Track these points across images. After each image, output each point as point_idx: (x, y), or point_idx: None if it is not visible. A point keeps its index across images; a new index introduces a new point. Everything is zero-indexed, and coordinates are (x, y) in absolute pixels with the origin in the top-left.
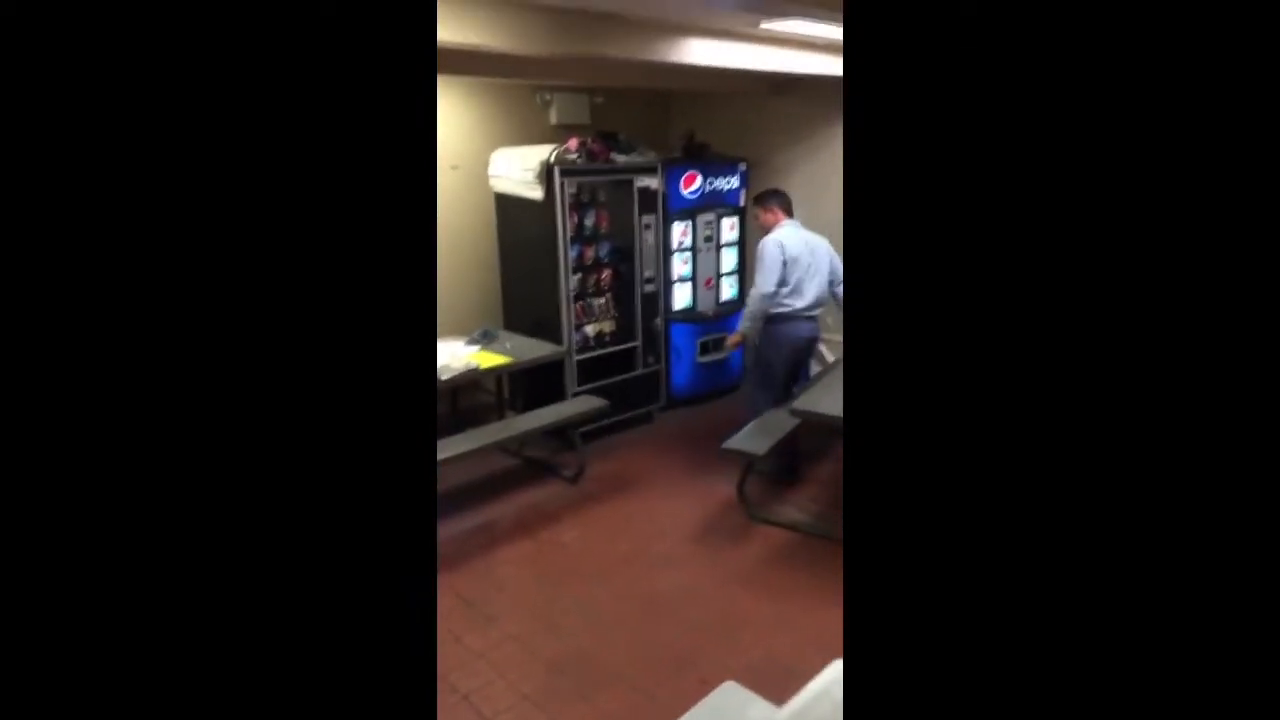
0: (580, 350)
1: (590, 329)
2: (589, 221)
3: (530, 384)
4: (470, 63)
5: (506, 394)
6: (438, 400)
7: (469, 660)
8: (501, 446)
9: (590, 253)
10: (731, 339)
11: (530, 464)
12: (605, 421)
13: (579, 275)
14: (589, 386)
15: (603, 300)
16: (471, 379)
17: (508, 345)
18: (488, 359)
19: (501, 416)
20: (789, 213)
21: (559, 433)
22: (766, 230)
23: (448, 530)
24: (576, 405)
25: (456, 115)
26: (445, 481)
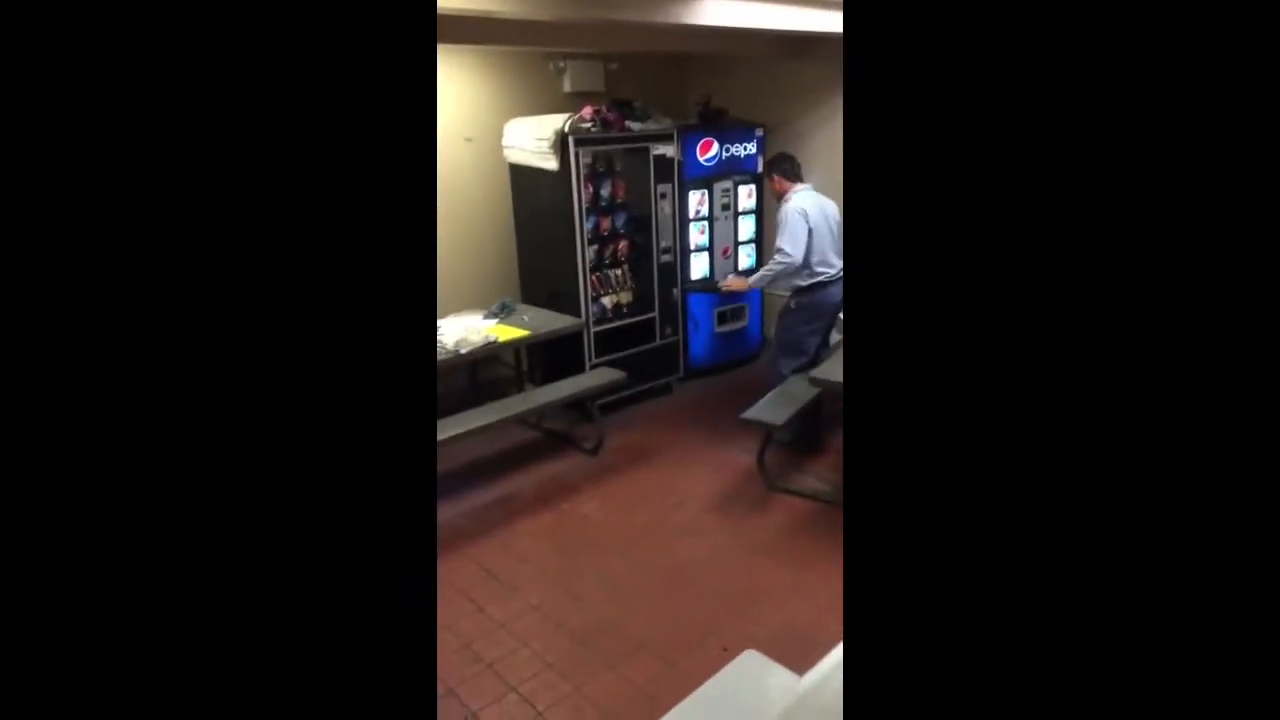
0: (598, 322)
1: (608, 300)
2: (605, 191)
3: (549, 356)
4: (482, 30)
5: (525, 366)
6: (456, 373)
7: (492, 630)
8: (521, 419)
9: (606, 223)
10: (734, 282)
11: (549, 436)
12: (624, 393)
13: (595, 246)
14: (607, 358)
15: (619, 271)
16: (490, 352)
17: (526, 318)
18: (506, 332)
19: (521, 389)
20: (798, 178)
21: (578, 405)
22: (780, 197)
23: (469, 503)
24: (595, 377)
25: (469, 85)
26: (465, 455)
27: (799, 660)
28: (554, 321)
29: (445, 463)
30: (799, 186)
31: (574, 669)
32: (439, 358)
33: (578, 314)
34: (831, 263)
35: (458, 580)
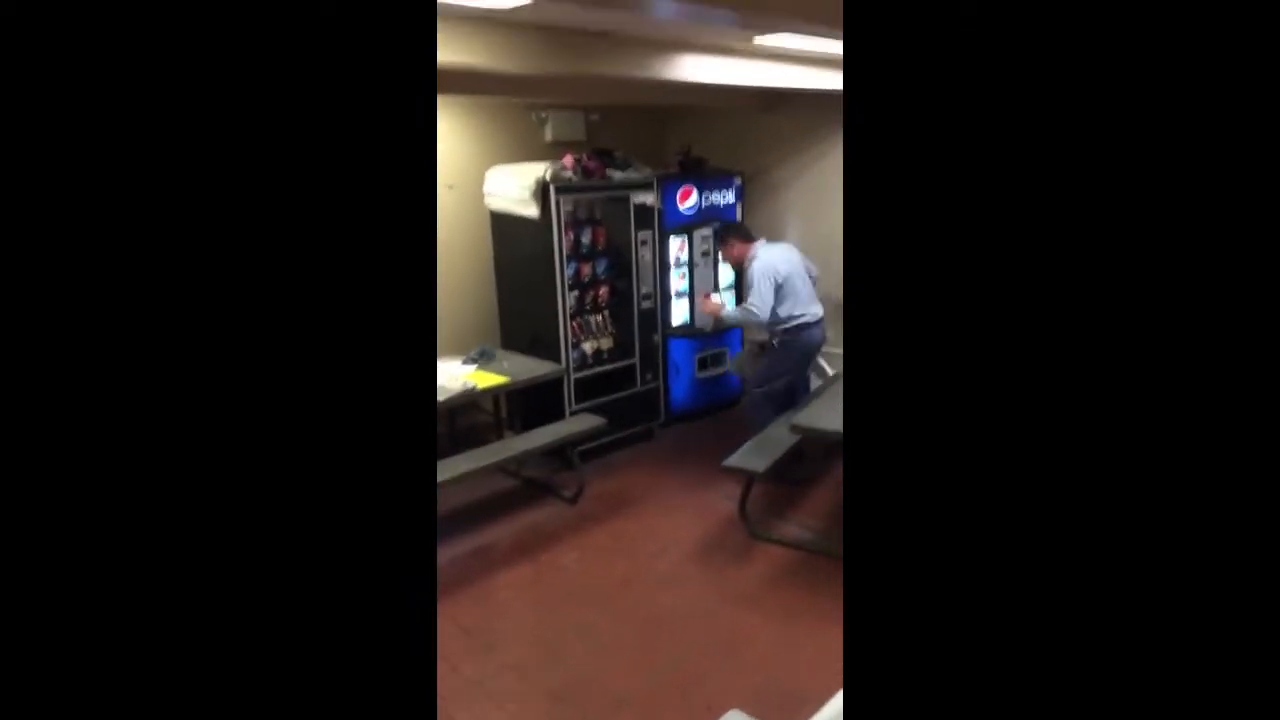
0: (578, 368)
1: (588, 346)
2: (585, 238)
3: (528, 402)
4: (465, 82)
5: (505, 413)
6: (437, 420)
7: (466, 690)
8: (500, 467)
9: (587, 269)
10: (710, 303)
11: (529, 484)
12: (605, 439)
13: (576, 292)
14: (587, 404)
15: (600, 317)
16: (469, 399)
17: (505, 364)
18: (485, 379)
19: (500, 436)
20: (751, 239)
21: (558, 452)
22: (739, 263)
23: (445, 554)
24: (575, 424)
25: (452, 134)
26: (443, 503)
27: (784, 718)
28: (534, 368)
29: None
30: (759, 244)
31: None
32: None
33: (558, 360)
34: (805, 302)
35: None
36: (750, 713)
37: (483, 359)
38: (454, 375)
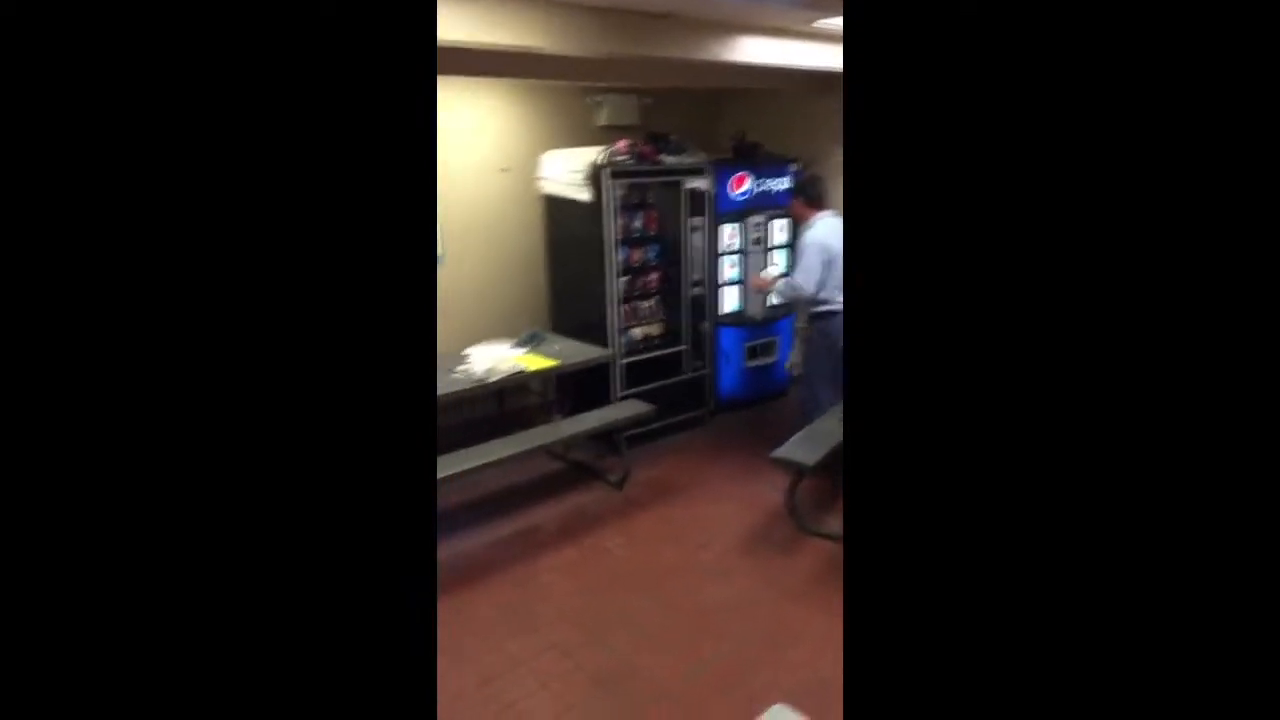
0: (627, 353)
1: (638, 332)
2: (637, 223)
3: (577, 387)
4: (521, 65)
5: (553, 396)
6: (484, 402)
7: (510, 667)
8: (547, 450)
9: (638, 255)
10: (758, 279)
11: (575, 467)
12: (651, 426)
13: (627, 278)
14: (635, 390)
15: (650, 303)
16: (518, 381)
17: (555, 348)
18: (535, 361)
19: (548, 419)
20: (821, 205)
21: (604, 436)
22: (801, 220)
23: (491, 535)
24: (623, 409)
25: (507, 117)
26: (489, 485)
27: (829, 715)
28: (583, 352)
29: (469, 492)
30: (821, 215)
31: (595, 715)
32: (466, 386)
33: (607, 345)
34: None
35: (478, 614)
36: (795, 708)
37: (532, 342)
38: (503, 357)
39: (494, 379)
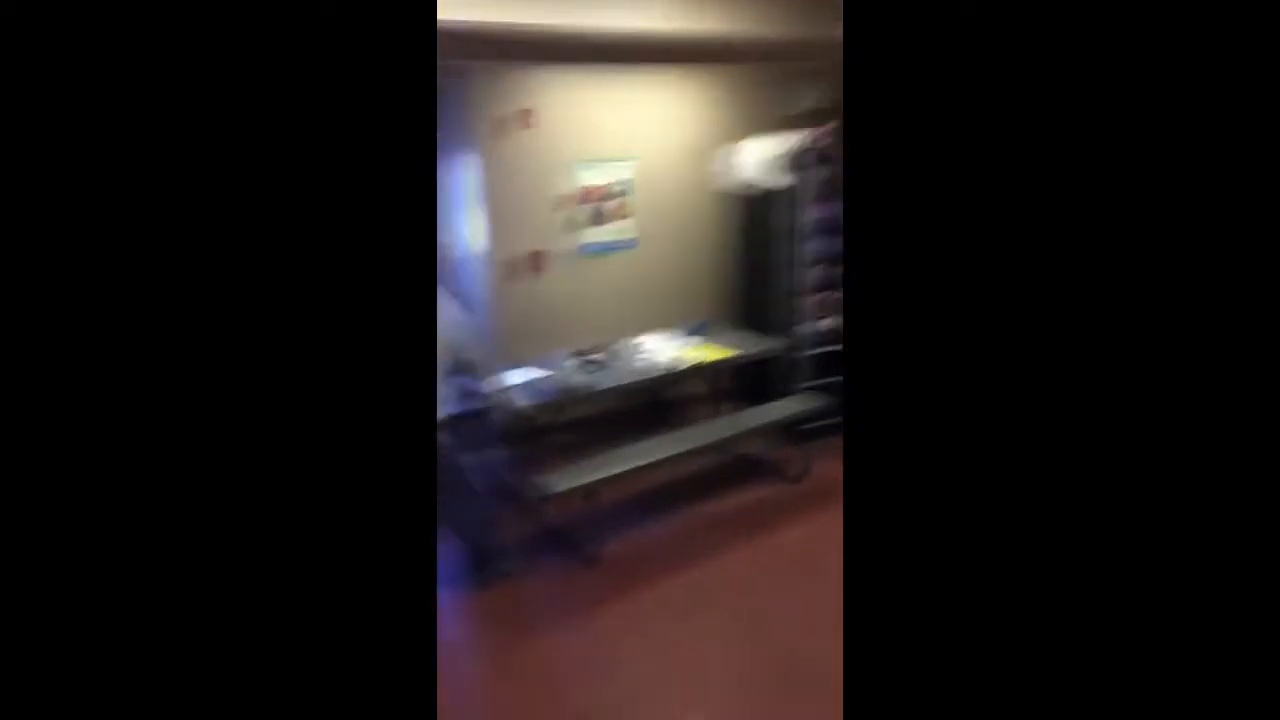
0: (816, 344)
1: (828, 322)
2: (837, 212)
3: (749, 378)
4: (715, 51)
5: (725, 386)
6: (650, 395)
7: (665, 651)
8: (719, 446)
9: (836, 245)
10: None
11: (745, 462)
12: (837, 419)
13: (821, 266)
14: (825, 381)
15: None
16: (698, 372)
17: (728, 338)
18: (714, 352)
19: (715, 411)
20: None
21: (783, 429)
22: None
23: (663, 528)
24: (802, 402)
25: (701, 104)
26: (656, 478)
27: None
28: (758, 343)
29: (634, 486)
30: None
31: (755, 694)
32: (650, 377)
33: (788, 335)
34: None
35: (641, 608)
36: None
37: (702, 332)
38: (681, 346)
39: (680, 369)
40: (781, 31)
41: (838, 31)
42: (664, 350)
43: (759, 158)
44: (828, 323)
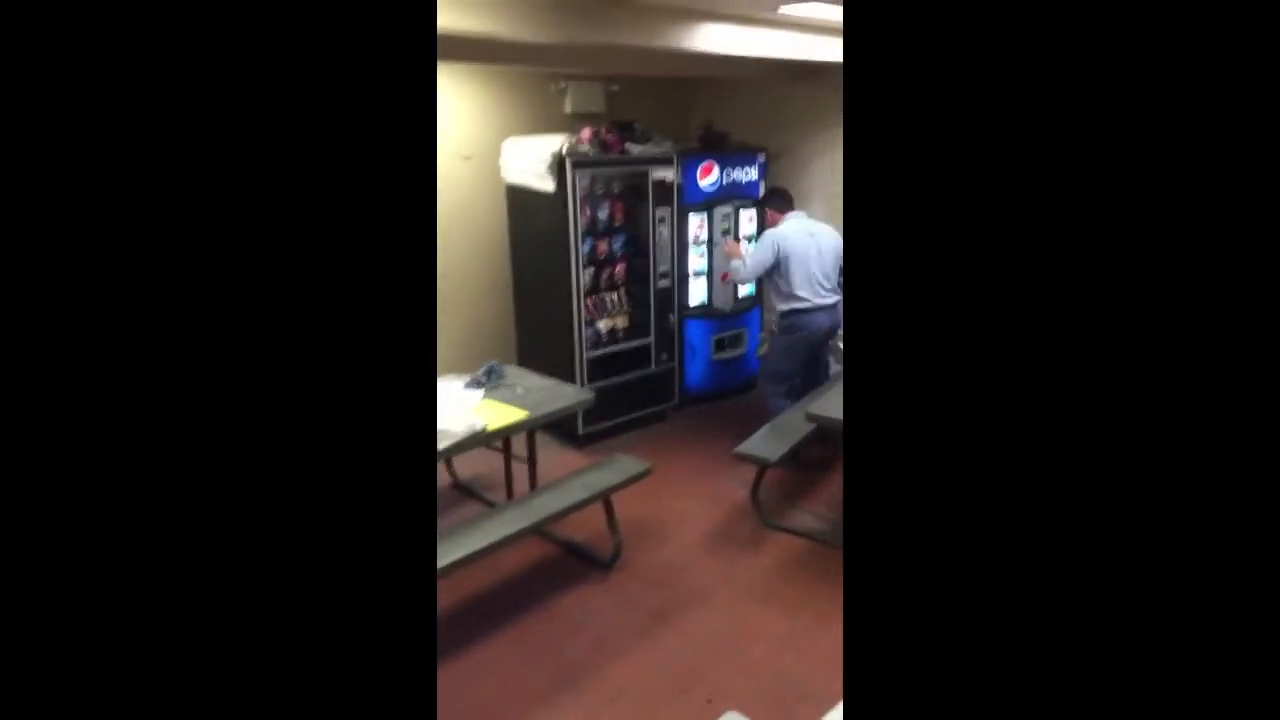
0: (592, 346)
1: (603, 324)
2: (603, 214)
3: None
4: (483, 50)
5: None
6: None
7: (467, 670)
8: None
9: (604, 246)
10: (731, 245)
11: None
12: (616, 420)
13: (592, 269)
14: (601, 384)
15: (616, 295)
16: (478, 444)
17: (519, 389)
18: (498, 414)
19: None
20: (789, 208)
21: (569, 432)
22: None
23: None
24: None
25: (469, 103)
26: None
27: (791, 717)
28: (555, 398)
29: None
30: (788, 216)
31: (553, 713)
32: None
33: (570, 337)
34: (809, 284)
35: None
36: (751, 711)
37: (491, 379)
38: (461, 406)
39: (445, 445)
40: (542, 34)
41: (597, 36)
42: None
43: (525, 160)
44: (603, 324)
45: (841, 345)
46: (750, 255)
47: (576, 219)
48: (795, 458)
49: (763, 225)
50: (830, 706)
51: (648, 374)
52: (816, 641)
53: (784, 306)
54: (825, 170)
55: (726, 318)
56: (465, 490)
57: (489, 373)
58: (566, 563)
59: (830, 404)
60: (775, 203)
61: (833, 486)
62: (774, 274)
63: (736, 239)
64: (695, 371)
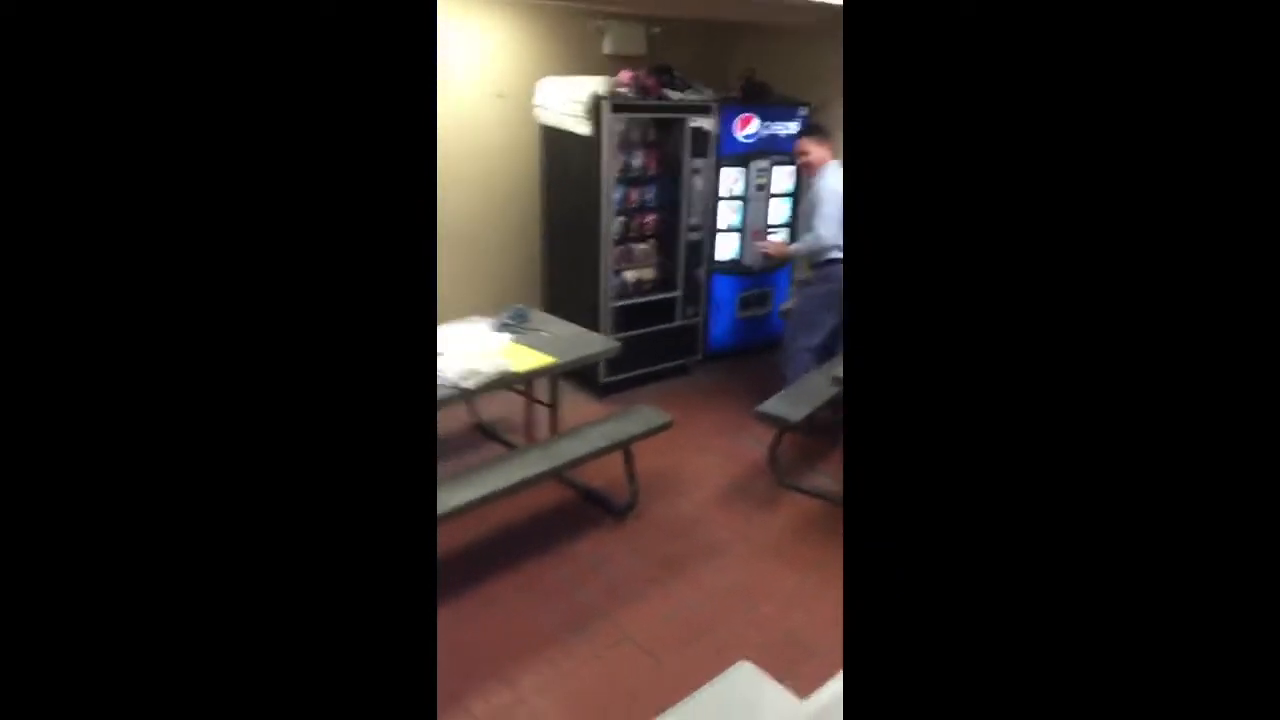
0: (617, 296)
1: (630, 275)
2: (636, 161)
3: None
4: None
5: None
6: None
7: (479, 609)
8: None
9: (635, 195)
10: (774, 246)
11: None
12: (638, 372)
13: (622, 219)
14: (625, 335)
15: (645, 246)
16: (505, 384)
17: (544, 334)
18: (522, 356)
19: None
20: (827, 140)
21: (590, 381)
22: (812, 172)
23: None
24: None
25: (503, 40)
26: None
27: (797, 674)
28: (581, 346)
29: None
30: (829, 166)
31: (561, 656)
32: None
33: (597, 285)
34: None
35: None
36: (759, 664)
37: (517, 322)
38: (485, 350)
39: (474, 383)
40: None
41: None
42: (456, 359)
43: (561, 100)
44: (630, 275)
45: None
46: (821, 217)
47: (609, 165)
48: (812, 422)
49: (799, 180)
50: (837, 666)
51: (673, 327)
52: (826, 601)
53: (823, 257)
54: None
55: (754, 275)
56: (486, 432)
57: (516, 316)
58: (583, 509)
59: None
60: (819, 137)
61: None
62: (814, 221)
63: (766, 209)
64: (719, 327)
